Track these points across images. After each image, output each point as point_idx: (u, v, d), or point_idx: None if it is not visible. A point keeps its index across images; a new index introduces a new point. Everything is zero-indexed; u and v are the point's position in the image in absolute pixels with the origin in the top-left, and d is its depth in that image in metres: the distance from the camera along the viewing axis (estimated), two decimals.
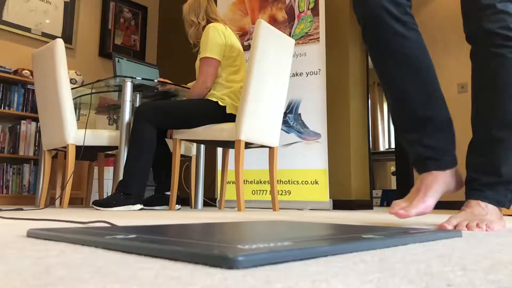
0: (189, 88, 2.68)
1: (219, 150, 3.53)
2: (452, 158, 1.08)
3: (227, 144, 2.65)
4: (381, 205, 5.86)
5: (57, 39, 2.53)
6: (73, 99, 2.64)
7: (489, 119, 1.05)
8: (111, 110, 3.16)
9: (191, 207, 2.94)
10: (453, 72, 4.24)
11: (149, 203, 2.50)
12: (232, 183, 3.39)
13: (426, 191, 1.03)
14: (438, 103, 1.09)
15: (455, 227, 0.94)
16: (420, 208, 0.98)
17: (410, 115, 1.09)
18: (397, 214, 0.97)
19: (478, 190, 1.04)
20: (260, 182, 3.36)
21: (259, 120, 2.39)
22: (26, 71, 3.69)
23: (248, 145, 2.48)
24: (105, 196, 3.44)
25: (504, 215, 2.32)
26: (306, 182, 3.21)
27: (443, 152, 1.07)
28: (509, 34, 1.02)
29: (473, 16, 1.08)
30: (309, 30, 3.39)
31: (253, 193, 3.37)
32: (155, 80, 2.62)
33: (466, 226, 0.93)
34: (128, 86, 2.48)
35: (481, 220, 0.95)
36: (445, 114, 1.10)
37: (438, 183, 1.04)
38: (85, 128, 2.53)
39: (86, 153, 2.67)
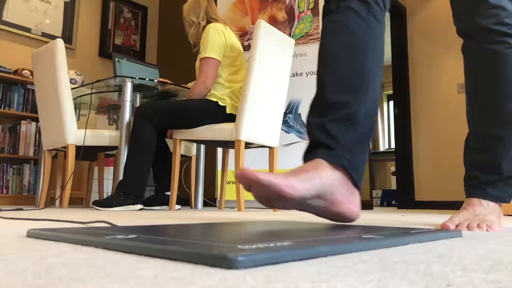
0: (189, 88, 2.68)
1: (219, 150, 3.53)
2: (353, 162, 0.84)
3: (227, 144, 2.65)
4: (381, 205, 5.86)
5: (57, 39, 2.53)
6: (73, 99, 2.64)
7: (487, 117, 1.02)
8: (111, 110, 3.16)
9: (191, 207, 2.93)
10: (453, 72, 4.24)
11: (149, 203, 2.50)
12: (232, 183, 3.39)
13: (296, 172, 0.78)
14: (362, 95, 0.89)
15: (456, 226, 0.94)
16: (270, 177, 0.72)
17: (327, 94, 0.89)
18: (242, 170, 0.72)
19: (479, 188, 1.02)
20: None
21: (259, 120, 2.39)
22: (26, 71, 3.70)
23: (248, 145, 2.48)
24: (105, 196, 3.44)
25: (504, 215, 2.31)
26: None
27: (344, 147, 0.84)
28: (503, 29, 0.99)
29: (465, 11, 1.04)
30: (309, 30, 3.39)
31: None
32: (155, 80, 2.62)
33: (467, 227, 0.92)
34: (128, 86, 2.48)
35: (482, 220, 0.94)
36: (366, 111, 0.89)
37: (318, 172, 0.79)
38: (85, 128, 2.52)
39: (86, 153, 2.67)
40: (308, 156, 0.85)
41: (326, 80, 0.90)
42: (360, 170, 0.85)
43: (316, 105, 0.91)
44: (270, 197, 0.71)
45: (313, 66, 3.33)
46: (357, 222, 1.22)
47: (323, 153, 0.83)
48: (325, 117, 0.87)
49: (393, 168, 5.88)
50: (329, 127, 0.85)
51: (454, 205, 3.98)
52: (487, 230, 0.91)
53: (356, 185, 0.84)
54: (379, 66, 0.94)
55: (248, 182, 0.70)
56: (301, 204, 0.75)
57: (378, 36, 0.94)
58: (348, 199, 0.81)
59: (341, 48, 0.91)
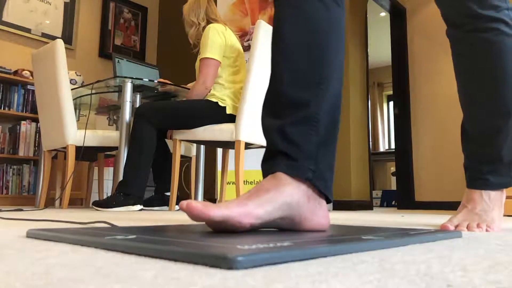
0: (189, 89, 2.68)
1: (219, 151, 3.53)
2: (318, 171, 0.73)
3: (227, 145, 2.65)
4: (381, 205, 5.86)
5: (57, 39, 2.53)
6: (73, 99, 2.64)
7: (485, 108, 0.96)
8: (111, 110, 3.16)
9: None
10: (453, 72, 4.23)
11: (149, 203, 2.50)
12: (232, 184, 3.39)
13: (254, 194, 0.68)
14: (323, 92, 0.77)
15: (456, 227, 0.93)
16: (224, 210, 0.62)
17: (284, 91, 0.78)
18: (190, 209, 0.61)
19: (480, 179, 0.99)
20: None
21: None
22: (26, 71, 3.70)
23: (248, 145, 2.48)
24: (105, 196, 3.44)
25: (504, 215, 2.32)
26: None
27: (307, 155, 0.73)
28: (492, 14, 0.92)
29: None
30: None
31: None
32: (155, 81, 2.62)
33: (467, 227, 0.92)
34: (128, 87, 2.49)
35: (482, 220, 0.94)
36: (328, 108, 0.78)
37: (280, 191, 0.69)
38: (85, 129, 2.53)
39: (86, 153, 2.67)
40: (267, 165, 0.75)
41: (282, 73, 0.79)
42: (327, 178, 0.75)
43: (272, 103, 0.80)
44: (228, 230, 0.63)
45: None
46: (357, 223, 1.22)
47: (284, 165, 0.72)
48: (284, 119, 0.75)
49: (393, 169, 5.88)
50: (289, 131, 0.74)
51: (454, 205, 3.97)
52: (486, 230, 0.90)
53: (323, 194, 0.75)
54: (339, 57, 0.83)
55: (198, 220, 0.61)
56: (264, 225, 0.68)
57: (338, 23, 0.84)
58: (315, 213, 0.72)
59: (298, 36, 0.80)
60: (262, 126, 0.81)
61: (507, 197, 2.24)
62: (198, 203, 0.61)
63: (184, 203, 0.62)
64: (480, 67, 0.96)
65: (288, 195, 0.68)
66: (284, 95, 0.77)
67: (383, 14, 5.46)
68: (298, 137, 0.73)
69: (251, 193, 0.68)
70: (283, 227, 0.70)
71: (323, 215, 0.73)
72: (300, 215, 0.70)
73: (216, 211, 0.61)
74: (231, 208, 0.63)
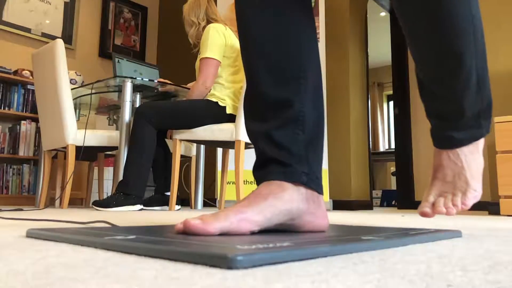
0: (189, 89, 2.68)
1: (219, 151, 3.53)
2: (311, 171, 0.72)
3: (227, 145, 2.65)
4: (381, 205, 5.86)
5: (57, 39, 2.53)
6: (73, 99, 2.64)
7: (434, 47, 0.78)
8: (111, 110, 3.16)
9: (191, 208, 2.93)
10: None
11: (149, 203, 2.50)
12: (232, 184, 3.39)
13: (253, 201, 0.66)
14: (304, 87, 0.73)
15: (433, 209, 0.85)
16: (224, 222, 0.60)
17: (263, 91, 0.73)
18: (188, 229, 0.60)
19: (445, 137, 0.87)
20: None
21: None
22: (26, 71, 3.69)
23: (248, 145, 2.48)
24: (105, 196, 3.44)
25: (504, 215, 2.27)
26: None
27: (299, 159, 0.71)
28: None
29: None
30: None
31: None
32: (155, 81, 2.62)
33: (444, 206, 0.84)
34: (128, 87, 2.48)
35: (457, 188, 0.85)
36: (311, 104, 0.73)
37: (277, 197, 0.67)
38: (85, 129, 2.52)
39: (86, 153, 2.67)
40: (261, 174, 0.72)
41: (258, 72, 0.74)
42: (319, 176, 0.73)
43: (253, 106, 0.76)
44: (230, 236, 0.61)
45: None
46: (357, 223, 1.22)
47: (278, 173, 0.70)
48: (268, 122, 0.72)
49: (393, 168, 5.88)
50: (276, 135, 0.71)
51: None
52: (462, 207, 0.84)
53: (319, 192, 0.73)
54: (313, 45, 0.76)
55: (199, 234, 0.59)
56: (264, 228, 0.66)
57: (308, 8, 0.76)
58: (315, 214, 0.71)
59: (269, 28, 0.73)
60: (247, 131, 0.78)
61: (507, 197, 2.24)
62: (196, 220, 0.60)
63: (180, 225, 0.61)
64: (433, 20, 0.77)
65: (287, 201, 0.67)
66: (264, 96, 0.73)
67: (383, 14, 5.46)
68: (286, 140, 0.71)
69: (250, 200, 0.66)
70: (286, 230, 0.70)
71: (322, 216, 0.72)
72: (300, 219, 0.69)
73: (215, 225, 0.59)
74: (229, 218, 0.61)
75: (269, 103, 0.73)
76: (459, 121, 0.86)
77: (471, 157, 0.87)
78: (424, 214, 0.85)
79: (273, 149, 0.71)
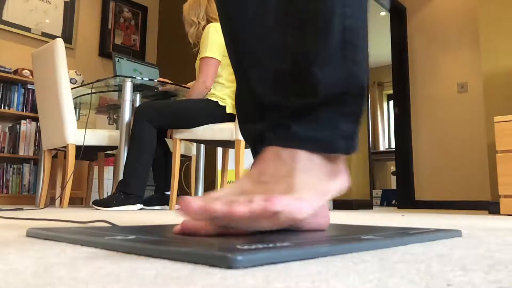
0: (189, 88, 2.68)
1: (219, 150, 3.53)
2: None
3: (227, 144, 2.65)
4: (381, 204, 5.86)
5: (57, 39, 2.53)
6: (73, 99, 2.64)
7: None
8: (111, 110, 3.16)
9: None
10: (453, 72, 4.23)
11: (149, 203, 2.50)
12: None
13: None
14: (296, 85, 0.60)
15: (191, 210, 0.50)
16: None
17: (254, 92, 0.64)
18: (189, 229, 0.53)
19: (280, 127, 0.59)
20: None
21: None
22: (26, 71, 3.69)
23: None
24: (105, 196, 3.44)
25: (504, 215, 2.25)
26: None
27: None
28: None
29: None
30: None
31: None
32: (155, 80, 2.62)
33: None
34: (128, 86, 2.48)
35: (267, 190, 0.54)
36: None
37: None
38: (85, 128, 2.52)
39: (86, 153, 2.67)
40: None
41: (251, 72, 0.64)
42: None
43: (247, 106, 0.68)
44: (230, 236, 0.51)
45: None
46: (357, 222, 1.22)
47: None
48: (263, 123, 0.62)
49: (393, 168, 5.88)
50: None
51: (454, 205, 3.98)
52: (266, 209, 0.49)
53: None
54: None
55: (198, 235, 0.50)
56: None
57: None
58: (316, 214, 0.64)
59: (256, 25, 0.63)
60: (241, 132, 0.72)
61: (507, 196, 2.24)
62: (197, 200, 0.50)
63: (178, 226, 0.56)
64: None
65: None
66: (256, 99, 0.64)
67: (383, 13, 5.46)
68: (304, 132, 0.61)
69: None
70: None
71: (323, 215, 0.69)
72: (301, 222, 0.64)
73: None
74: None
75: (263, 104, 0.64)
76: (309, 107, 0.58)
77: (318, 174, 0.58)
78: (180, 229, 0.56)
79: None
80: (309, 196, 0.54)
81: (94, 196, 3.60)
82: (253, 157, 0.69)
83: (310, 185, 0.55)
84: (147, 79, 2.58)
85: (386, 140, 7.39)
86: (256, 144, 0.66)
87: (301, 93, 0.59)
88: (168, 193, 2.52)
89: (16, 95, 3.69)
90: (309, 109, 0.58)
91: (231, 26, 0.68)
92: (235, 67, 0.71)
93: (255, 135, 0.66)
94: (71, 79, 3.06)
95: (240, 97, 0.72)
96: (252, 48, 0.65)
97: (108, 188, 3.74)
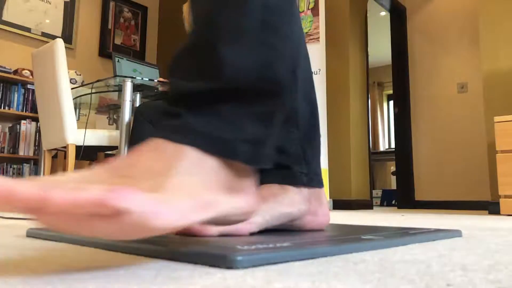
0: None
1: None
2: (311, 169, 0.67)
3: None
4: (381, 205, 5.86)
5: (57, 39, 2.53)
6: (73, 99, 2.64)
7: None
8: (111, 110, 3.16)
9: None
10: (453, 72, 4.23)
11: None
12: None
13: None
14: (293, 82, 0.58)
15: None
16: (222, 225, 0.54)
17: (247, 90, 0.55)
18: (188, 229, 0.54)
19: (167, 116, 0.50)
20: None
21: None
22: (26, 71, 3.69)
23: None
24: None
25: (504, 215, 2.25)
26: None
27: (296, 158, 0.66)
28: None
29: None
30: (309, 30, 3.39)
31: None
32: (155, 80, 2.62)
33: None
34: (128, 86, 2.48)
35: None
36: (303, 97, 0.65)
37: (277, 201, 0.63)
38: (85, 128, 2.52)
39: (86, 153, 2.67)
40: (260, 176, 0.62)
41: (233, 67, 0.51)
42: (318, 170, 0.68)
43: (237, 106, 0.55)
44: (229, 236, 0.56)
45: (313, 66, 3.33)
46: (357, 222, 1.22)
47: (277, 176, 0.65)
48: (262, 125, 0.54)
49: (393, 168, 5.88)
50: (270, 142, 0.53)
51: (454, 205, 3.98)
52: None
53: (320, 187, 0.69)
54: (300, 31, 0.61)
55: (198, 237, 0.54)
56: (263, 229, 0.62)
57: None
58: (316, 213, 0.68)
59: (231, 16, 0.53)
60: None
61: (507, 196, 2.24)
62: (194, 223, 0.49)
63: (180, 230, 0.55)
64: None
65: (287, 204, 0.64)
66: (247, 95, 0.58)
67: (383, 13, 5.46)
68: (281, 142, 0.64)
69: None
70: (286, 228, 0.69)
71: (322, 214, 0.70)
72: (300, 220, 0.67)
73: (214, 228, 0.55)
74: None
75: (255, 102, 0.58)
76: (208, 92, 0.48)
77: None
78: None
79: (272, 154, 0.61)
80: (180, 203, 0.37)
81: None
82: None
83: (189, 191, 0.40)
84: (147, 79, 2.58)
85: (386, 140, 7.39)
86: (256, 148, 0.53)
87: (203, 72, 0.49)
88: None
89: (16, 95, 3.69)
90: (210, 98, 0.48)
91: None
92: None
93: (251, 141, 0.52)
94: (71, 79, 3.06)
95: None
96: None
97: None
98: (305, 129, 0.67)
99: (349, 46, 3.48)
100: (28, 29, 3.95)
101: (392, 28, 4.58)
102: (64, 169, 2.83)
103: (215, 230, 0.56)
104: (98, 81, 2.58)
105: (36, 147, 3.73)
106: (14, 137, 3.66)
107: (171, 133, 0.46)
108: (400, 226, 1.01)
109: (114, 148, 2.67)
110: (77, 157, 2.51)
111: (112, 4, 4.69)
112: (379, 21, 5.62)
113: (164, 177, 0.41)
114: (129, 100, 2.48)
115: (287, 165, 0.66)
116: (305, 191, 0.67)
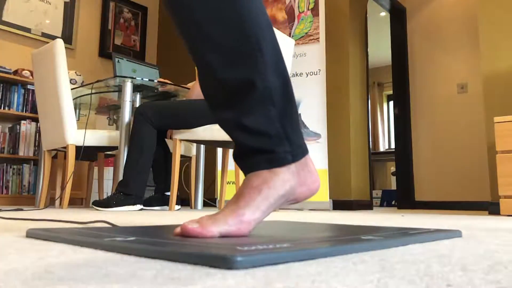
0: (189, 88, 2.68)
1: (219, 150, 3.53)
2: (294, 145, 0.69)
3: (227, 145, 2.65)
4: (381, 205, 5.86)
5: (57, 39, 2.53)
6: (73, 99, 2.64)
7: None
8: (111, 110, 3.16)
9: (191, 208, 2.93)
10: (453, 72, 4.23)
11: (149, 203, 2.50)
12: (232, 183, 3.39)
13: (248, 197, 0.64)
14: (261, 60, 0.66)
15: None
16: (223, 226, 0.60)
17: (220, 76, 0.67)
18: (186, 233, 0.59)
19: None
20: None
21: None
22: (26, 71, 3.69)
23: None
24: (105, 196, 3.44)
25: (505, 215, 2.25)
26: None
27: (278, 139, 0.67)
28: None
29: None
30: (309, 30, 3.39)
31: None
32: (155, 81, 2.62)
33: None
34: (128, 86, 2.49)
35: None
36: (272, 70, 0.68)
37: (271, 187, 0.66)
38: (85, 128, 2.52)
39: (86, 153, 2.67)
40: (245, 164, 0.69)
41: (206, 56, 0.67)
42: (301, 142, 0.70)
43: (214, 93, 0.71)
44: (229, 237, 0.60)
45: (313, 66, 3.33)
46: (357, 223, 1.22)
47: (263, 162, 0.67)
48: (235, 108, 0.67)
49: (393, 168, 5.88)
50: (248, 122, 0.66)
51: (454, 206, 3.98)
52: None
53: (305, 155, 0.71)
54: (261, 11, 0.68)
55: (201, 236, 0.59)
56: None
57: None
58: (306, 183, 0.69)
59: (209, 4, 0.65)
60: (217, 121, 0.73)
61: (507, 197, 2.24)
62: (194, 225, 0.59)
63: (178, 229, 0.61)
64: None
65: (279, 186, 0.66)
66: (222, 82, 0.67)
67: (383, 13, 5.46)
68: (260, 125, 0.66)
69: (245, 196, 0.64)
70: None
71: (312, 181, 0.71)
72: (293, 195, 0.68)
73: (214, 230, 0.59)
74: (228, 221, 0.61)
75: (230, 88, 0.67)
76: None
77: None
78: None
79: (250, 138, 0.67)
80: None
81: (94, 196, 3.60)
82: (233, 139, 0.70)
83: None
84: (147, 79, 2.58)
85: (386, 140, 7.39)
86: (233, 131, 0.68)
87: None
88: (168, 193, 2.52)
89: (16, 96, 3.69)
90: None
91: (182, 12, 0.69)
92: (193, 54, 0.71)
93: (233, 122, 0.68)
94: (71, 80, 3.06)
95: (203, 84, 0.72)
96: (206, 29, 0.66)
97: (108, 189, 3.74)
98: (281, 105, 0.68)
99: (349, 46, 3.48)
100: (28, 30, 3.95)
101: (392, 29, 4.58)
102: (64, 169, 2.83)
103: (215, 231, 0.59)
104: (98, 81, 2.58)
105: (36, 148, 3.73)
106: (14, 138, 3.66)
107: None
108: (400, 226, 1.01)
109: (114, 148, 2.67)
110: (77, 157, 2.51)
111: (112, 4, 4.69)
112: (379, 21, 5.62)
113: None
114: (129, 100, 2.48)
115: (271, 150, 0.67)
116: (292, 166, 0.68)
